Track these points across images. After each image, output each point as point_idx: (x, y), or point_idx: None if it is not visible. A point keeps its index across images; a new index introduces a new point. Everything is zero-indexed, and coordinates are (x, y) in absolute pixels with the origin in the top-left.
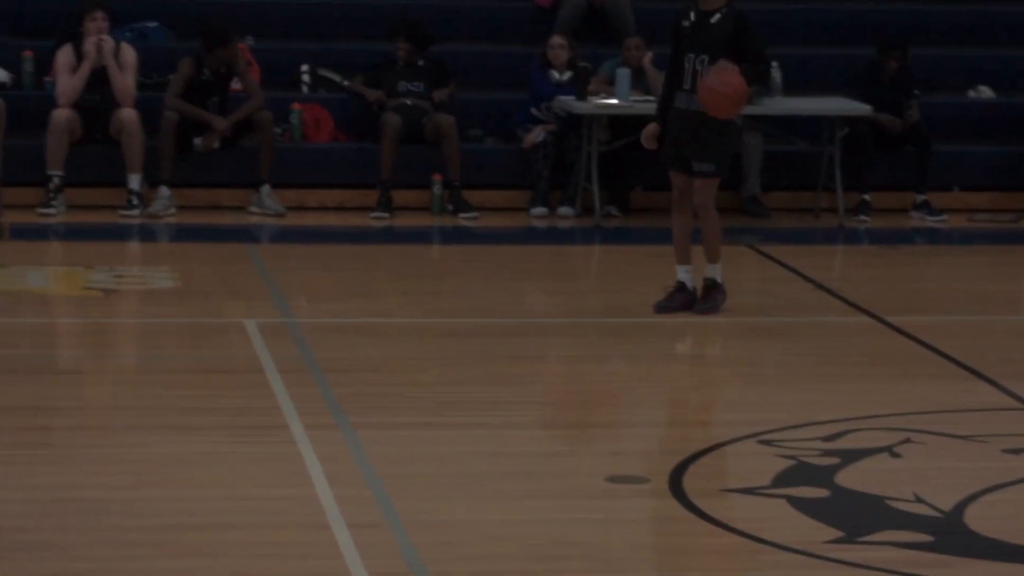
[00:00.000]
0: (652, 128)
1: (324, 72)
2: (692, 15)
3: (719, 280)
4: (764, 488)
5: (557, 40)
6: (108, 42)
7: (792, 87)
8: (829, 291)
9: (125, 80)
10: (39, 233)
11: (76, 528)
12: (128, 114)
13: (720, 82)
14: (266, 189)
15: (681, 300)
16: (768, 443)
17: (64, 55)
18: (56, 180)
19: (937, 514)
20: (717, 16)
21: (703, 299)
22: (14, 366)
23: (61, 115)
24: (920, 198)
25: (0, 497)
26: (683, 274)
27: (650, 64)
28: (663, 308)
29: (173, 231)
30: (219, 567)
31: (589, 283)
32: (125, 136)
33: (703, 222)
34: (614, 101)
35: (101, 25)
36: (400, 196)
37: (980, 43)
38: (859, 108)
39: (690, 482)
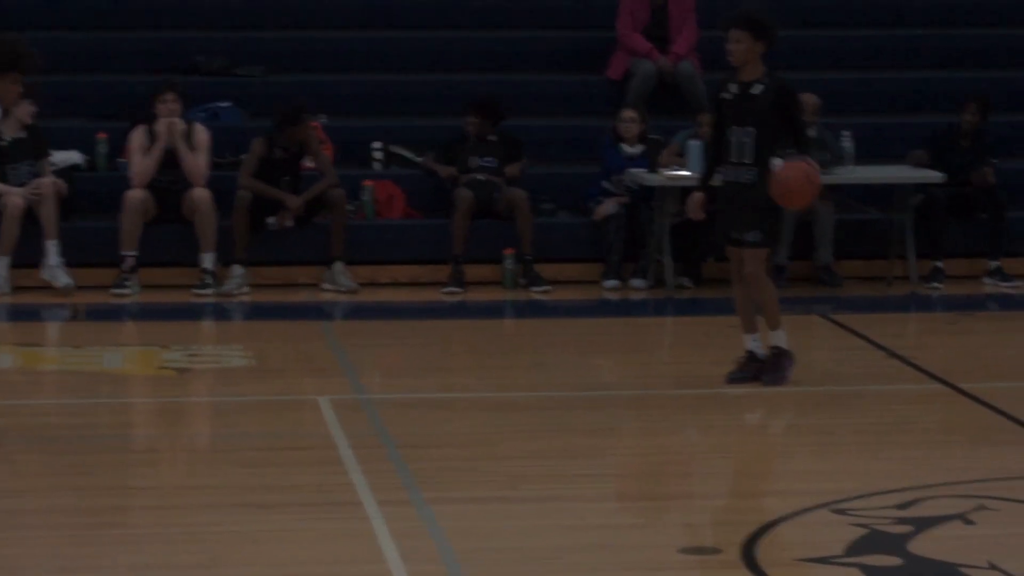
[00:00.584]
0: (698, 198)
1: (396, 149)
2: (733, 87)
3: (784, 347)
4: (837, 557)
5: (628, 114)
6: (178, 124)
7: (864, 155)
8: (902, 359)
9: (196, 160)
10: (113, 314)
11: None
12: (200, 194)
13: (788, 177)
14: (339, 266)
15: (752, 370)
16: (841, 512)
17: (137, 136)
18: (130, 260)
19: None
20: (759, 87)
21: (770, 369)
22: (91, 446)
23: (135, 195)
24: (994, 264)
25: None
26: (751, 343)
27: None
28: (735, 379)
29: (247, 309)
30: None
31: (662, 355)
32: (198, 216)
33: (756, 292)
34: (686, 173)
35: (172, 107)
36: (472, 271)
37: None
38: (931, 175)
39: (763, 552)
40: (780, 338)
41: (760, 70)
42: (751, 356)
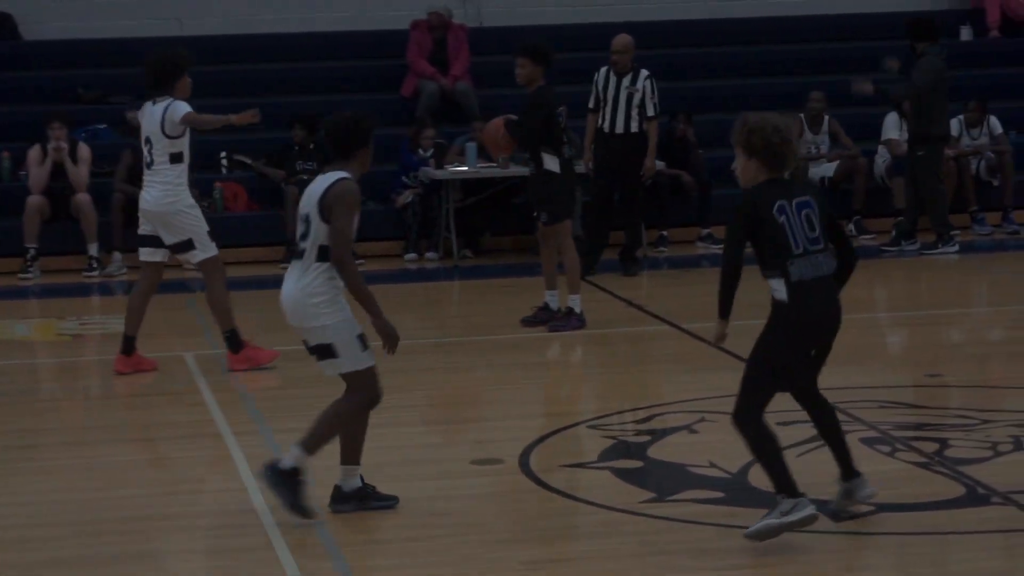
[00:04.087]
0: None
1: (238, 157)
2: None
3: (577, 310)
4: (592, 463)
5: (429, 132)
6: (64, 146)
7: None
8: (638, 307)
9: (79, 172)
10: (20, 294)
11: (62, 523)
12: (82, 197)
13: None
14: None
15: (543, 317)
16: (594, 427)
17: (33, 153)
18: (32, 251)
19: (727, 476)
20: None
21: (559, 320)
22: (7, 398)
23: (34, 200)
24: (705, 231)
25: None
26: (548, 297)
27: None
28: (527, 322)
29: (125, 287)
30: (170, 549)
31: (452, 310)
32: (82, 215)
33: (563, 258)
34: (465, 168)
35: (59, 133)
36: None
37: (745, 109)
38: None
39: (536, 461)
40: (575, 302)
41: (534, 85)
42: (545, 307)
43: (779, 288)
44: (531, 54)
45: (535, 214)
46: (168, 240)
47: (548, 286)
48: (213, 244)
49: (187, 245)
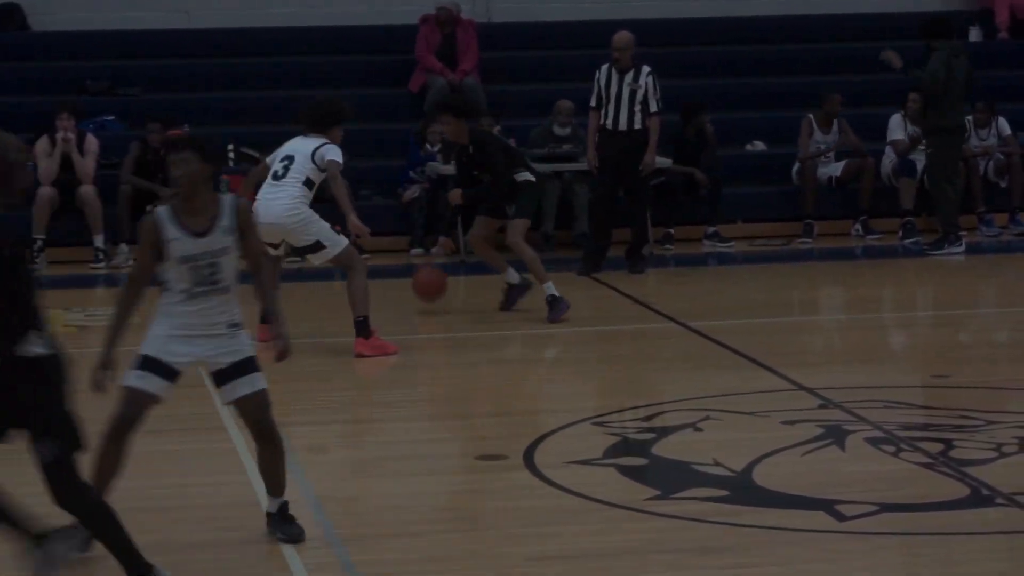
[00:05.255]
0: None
1: (245, 149)
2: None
3: (556, 294)
4: (597, 459)
5: (437, 127)
6: (71, 138)
7: None
8: (644, 304)
9: (86, 163)
10: None
11: (63, 514)
12: (87, 189)
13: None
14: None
15: (510, 294)
16: (599, 424)
17: (42, 144)
18: (39, 242)
19: (731, 474)
20: (470, 147)
21: (550, 311)
22: None
23: (45, 192)
24: (711, 229)
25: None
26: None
27: (498, 134)
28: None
29: (124, 279)
30: (173, 540)
31: (459, 305)
32: (86, 207)
33: (520, 257)
34: None
35: (66, 123)
36: None
37: (755, 108)
38: (664, 161)
39: (540, 457)
40: (550, 288)
41: (466, 137)
42: (509, 287)
43: None
44: (453, 110)
45: (501, 208)
46: (298, 245)
47: (501, 269)
48: (341, 237)
49: (317, 246)
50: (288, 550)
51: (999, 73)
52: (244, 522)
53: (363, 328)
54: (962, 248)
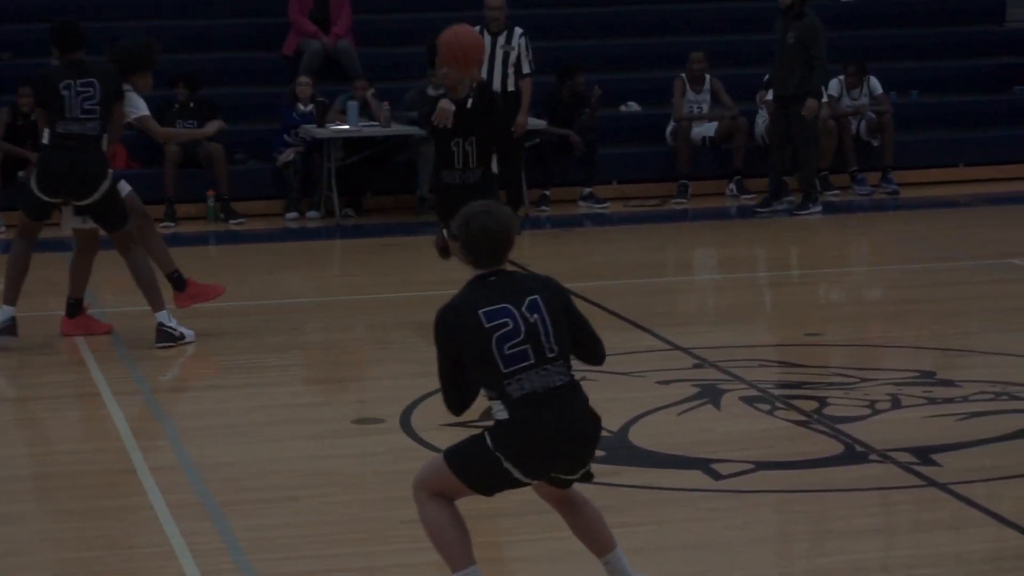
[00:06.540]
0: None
1: None
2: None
3: None
4: (474, 422)
5: (303, 79)
6: None
7: None
8: (521, 267)
9: None
10: None
11: None
12: None
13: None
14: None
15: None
16: None
17: None
18: None
19: (608, 434)
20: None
21: None
22: None
23: None
24: (587, 190)
25: None
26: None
27: (372, 97)
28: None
29: (3, 246)
30: (47, 508)
31: (334, 269)
32: None
33: None
34: (346, 127)
35: None
36: (182, 209)
37: (629, 69)
38: (538, 123)
39: (416, 420)
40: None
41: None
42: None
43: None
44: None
45: (445, 226)
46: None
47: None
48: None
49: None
50: (165, 516)
51: (870, 32)
52: (122, 490)
53: (179, 282)
54: (819, 208)
